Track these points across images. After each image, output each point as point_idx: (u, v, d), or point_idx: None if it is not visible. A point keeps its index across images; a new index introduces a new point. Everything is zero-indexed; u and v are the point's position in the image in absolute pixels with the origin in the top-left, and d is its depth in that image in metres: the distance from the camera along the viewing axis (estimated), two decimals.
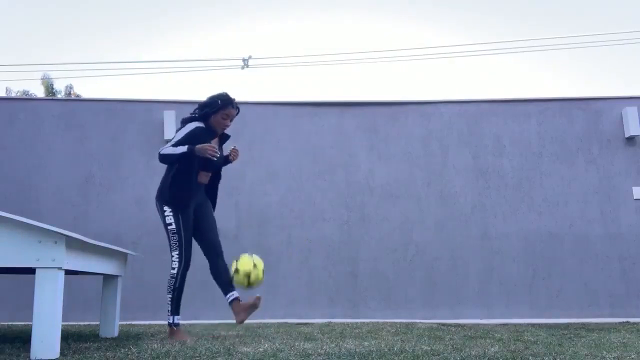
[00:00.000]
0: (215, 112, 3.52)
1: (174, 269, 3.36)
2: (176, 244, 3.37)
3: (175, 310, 3.35)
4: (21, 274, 3.64)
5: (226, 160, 3.70)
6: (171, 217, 3.38)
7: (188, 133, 3.43)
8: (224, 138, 3.73)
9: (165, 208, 3.41)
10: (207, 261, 3.54)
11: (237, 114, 3.67)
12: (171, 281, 3.35)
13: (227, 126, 3.62)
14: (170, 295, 3.35)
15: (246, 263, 3.26)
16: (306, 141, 6.23)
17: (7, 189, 5.87)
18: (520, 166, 6.20)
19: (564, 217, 6.05)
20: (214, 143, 3.59)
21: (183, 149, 3.34)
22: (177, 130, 3.57)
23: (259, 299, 3.31)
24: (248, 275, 3.23)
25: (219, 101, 3.53)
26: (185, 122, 3.56)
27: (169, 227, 3.38)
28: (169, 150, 3.37)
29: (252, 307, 3.32)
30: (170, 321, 3.35)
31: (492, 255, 5.97)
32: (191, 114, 3.60)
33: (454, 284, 5.90)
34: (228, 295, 3.40)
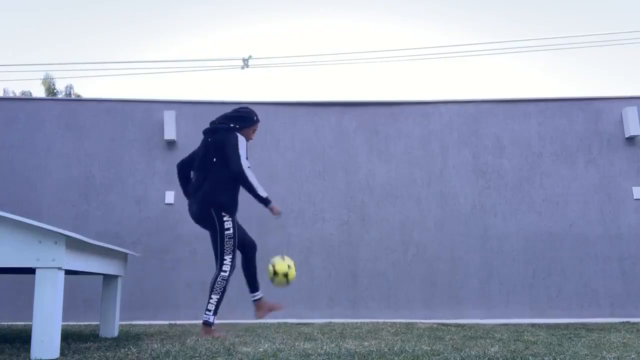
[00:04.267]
0: (250, 126, 3.86)
1: (225, 271, 3.56)
2: (230, 248, 3.61)
3: (217, 310, 3.54)
4: (21, 274, 3.64)
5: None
6: (230, 223, 3.64)
7: (245, 148, 3.70)
8: None
9: (224, 214, 3.63)
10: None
11: None
12: (222, 283, 3.54)
13: (251, 139, 3.94)
14: (217, 297, 3.52)
15: (282, 266, 3.66)
16: (306, 141, 6.23)
17: (7, 189, 5.87)
18: (520, 166, 6.20)
19: (564, 217, 6.05)
20: None
21: (264, 195, 3.65)
22: (222, 141, 3.69)
23: (279, 307, 3.91)
24: (286, 275, 3.65)
25: (255, 117, 3.89)
26: (227, 130, 3.74)
27: (227, 232, 3.62)
28: (255, 182, 3.64)
29: (274, 309, 3.88)
30: (212, 320, 3.50)
31: (492, 255, 5.97)
32: (224, 122, 3.81)
33: (454, 284, 5.90)
34: (255, 294, 3.85)
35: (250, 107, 4.05)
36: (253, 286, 3.84)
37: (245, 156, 3.65)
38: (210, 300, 3.50)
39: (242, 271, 3.87)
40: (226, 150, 3.63)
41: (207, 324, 3.49)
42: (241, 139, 3.69)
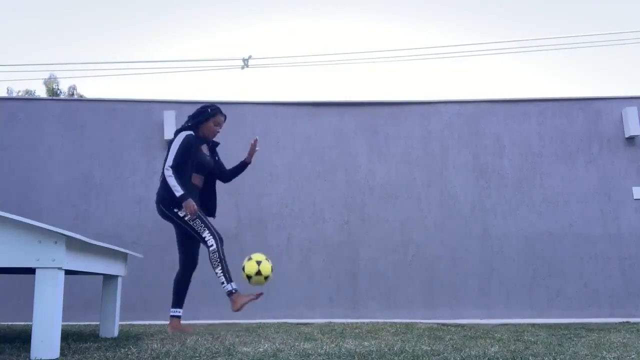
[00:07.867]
0: (207, 120, 3.86)
1: (212, 245, 3.58)
2: (202, 225, 3.62)
3: (230, 277, 3.55)
4: (21, 274, 3.64)
5: (244, 164, 4.09)
6: (184, 212, 3.63)
7: (181, 145, 3.69)
8: (215, 145, 4.06)
9: (175, 209, 3.68)
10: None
11: (225, 120, 4.00)
12: (215, 254, 3.55)
13: (217, 132, 3.95)
14: (220, 267, 3.54)
15: (251, 267, 3.54)
16: (306, 141, 6.23)
17: (7, 189, 5.86)
18: (520, 166, 6.20)
19: (564, 217, 6.05)
20: (205, 150, 3.91)
21: (179, 192, 3.60)
22: (171, 142, 3.79)
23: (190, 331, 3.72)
24: (259, 272, 3.54)
25: (209, 109, 3.88)
26: (177, 132, 3.82)
27: (187, 218, 3.63)
28: (172, 182, 3.62)
29: (184, 331, 3.71)
30: (230, 288, 3.53)
31: (492, 255, 5.97)
32: (184, 125, 3.88)
33: (454, 284, 5.90)
34: (176, 310, 3.81)
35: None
36: (176, 302, 3.80)
37: (174, 156, 3.65)
38: (217, 274, 3.54)
39: (172, 283, 3.88)
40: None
41: (230, 294, 3.53)
42: (179, 138, 3.72)
